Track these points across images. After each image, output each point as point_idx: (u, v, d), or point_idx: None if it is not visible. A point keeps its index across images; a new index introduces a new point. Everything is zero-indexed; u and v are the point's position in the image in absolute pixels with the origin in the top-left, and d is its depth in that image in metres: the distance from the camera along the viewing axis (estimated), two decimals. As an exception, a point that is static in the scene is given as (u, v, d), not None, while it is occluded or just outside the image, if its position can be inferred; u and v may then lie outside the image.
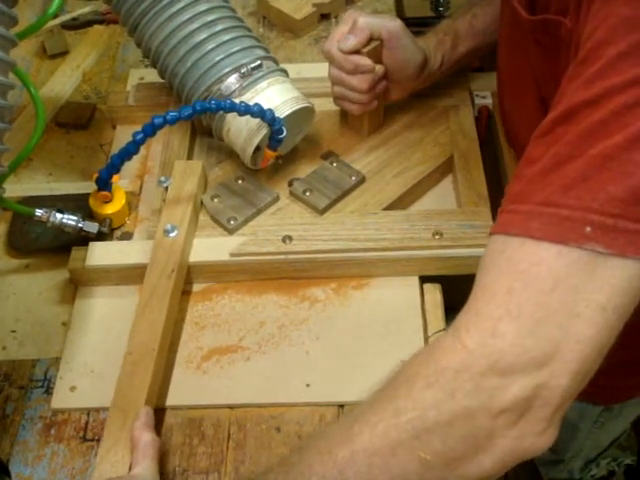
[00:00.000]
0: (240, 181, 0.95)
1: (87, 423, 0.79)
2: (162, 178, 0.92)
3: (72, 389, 0.81)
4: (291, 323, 0.85)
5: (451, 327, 0.59)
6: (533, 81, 0.81)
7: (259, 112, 0.86)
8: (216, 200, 0.93)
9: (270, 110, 0.87)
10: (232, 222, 0.90)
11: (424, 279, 0.88)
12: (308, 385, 0.80)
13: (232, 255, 0.87)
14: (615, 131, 0.54)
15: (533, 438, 0.56)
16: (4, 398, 0.81)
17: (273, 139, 0.90)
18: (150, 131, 0.84)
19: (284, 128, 0.89)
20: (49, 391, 0.81)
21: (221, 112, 0.89)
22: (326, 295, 0.88)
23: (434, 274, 0.88)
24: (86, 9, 1.26)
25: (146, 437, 0.71)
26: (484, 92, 1.05)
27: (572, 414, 1.05)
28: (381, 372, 0.79)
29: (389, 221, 0.89)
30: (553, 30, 0.70)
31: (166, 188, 0.91)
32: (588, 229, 0.54)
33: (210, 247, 0.89)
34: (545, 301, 0.55)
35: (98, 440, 0.77)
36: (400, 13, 1.26)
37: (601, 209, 0.54)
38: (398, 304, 0.86)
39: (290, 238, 0.88)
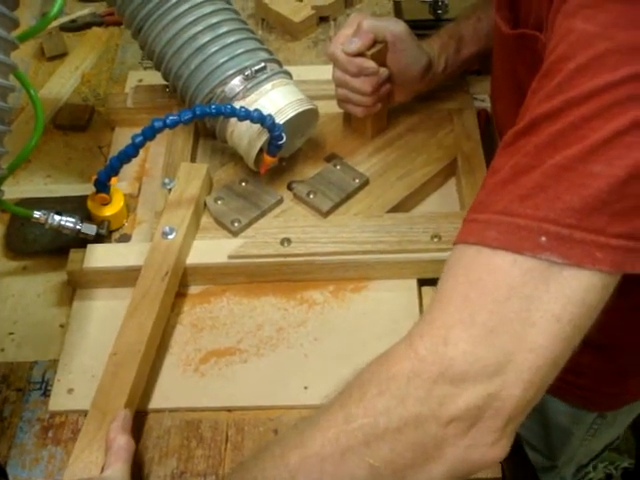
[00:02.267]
0: (244, 183, 0.95)
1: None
2: (166, 180, 0.92)
3: (70, 391, 0.81)
4: (289, 326, 0.85)
5: (406, 335, 0.59)
6: (518, 89, 0.81)
7: (259, 118, 0.86)
8: (220, 202, 0.93)
9: (270, 116, 0.87)
10: (236, 224, 0.90)
11: (422, 282, 0.88)
12: (306, 388, 0.80)
13: (230, 257, 0.87)
14: (573, 142, 0.54)
15: (484, 449, 0.56)
16: (1, 400, 0.81)
17: (272, 145, 0.90)
18: (150, 134, 0.84)
19: (284, 134, 0.89)
20: (47, 393, 0.81)
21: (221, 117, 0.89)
22: (324, 298, 0.88)
23: (432, 277, 0.88)
24: (85, 11, 1.26)
25: (121, 440, 0.71)
26: (482, 95, 1.05)
27: (566, 420, 1.05)
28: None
29: (389, 224, 0.89)
30: (531, 44, 0.71)
31: (170, 190, 0.91)
32: (543, 239, 0.54)
33: (209, 249, 0.89)
34: (499, 310, 0.55)
35: (96, 442, 0.77)
36: (399, 16, 1.26)
37: (557, 219, 0.54)
38: (396, 307, 0.86)
39: (289, 241, 0.88)
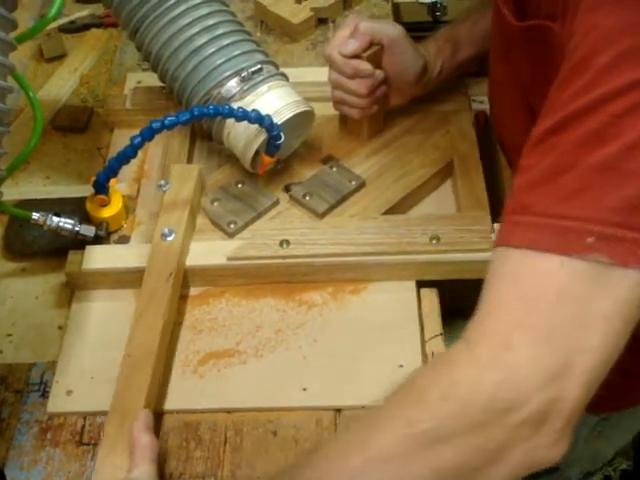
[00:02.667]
0: (240, 185, 0.95)
1: (83, 427, 0.79)
2: (162, 182, 0.92)
3: (68, 393, 0.80)
4: (288, 327, 0.85)
5: (462, 340, 0.58)
6: (520, 89, 0.81)
7: (257, 118, 0.86)
8: (216, 204, 0.93)
9: (268, 116, 0.87)
10: (232, 226, 0.90)
11: (421, 284, 0.88)
12: (305, 389, 0.80)
13: (229, 259, 0.87)
14: (610, 140, 0.55)
15: (546, 450, 0.56)
16: (0, 402, 0.81)
17: (271, 145, 0.90)
18: (148, 135, 0.84)
19: (282, 134, 0.89)
20: (45, 395, 0.81)
21: (219, 117, 0.89)
22: (323, 299, 0.88)
23: (431, 278, 0.88)
24: (84, 12, 1.26)
25: (145, 439, 0.71)
26: (481, 97, 1.05)
27: None
28: (378, 376, 0.80)
29: (387, 225, 0.89)
30: (542, 36, 0.70)
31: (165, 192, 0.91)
32: (590, 239, 0.54)
33: (207, 251, 0.89)
34: (552, 313, 0.55)
35: (95, 444, 0.77)
36: (397, 18, 1.26)
37: (601, 219, 0.54)
38: (395, 308, 0.86)
39: (287, 242, 0.88)
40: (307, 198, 0.93)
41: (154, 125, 0.83)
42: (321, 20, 1.23)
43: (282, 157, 0.97)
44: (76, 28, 1.25)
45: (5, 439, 0.78)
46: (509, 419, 0.55)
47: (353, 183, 0.95)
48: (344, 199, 0.94)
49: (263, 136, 0.89)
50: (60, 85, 1.15)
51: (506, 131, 0.92)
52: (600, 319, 0.55)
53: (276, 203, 0.94)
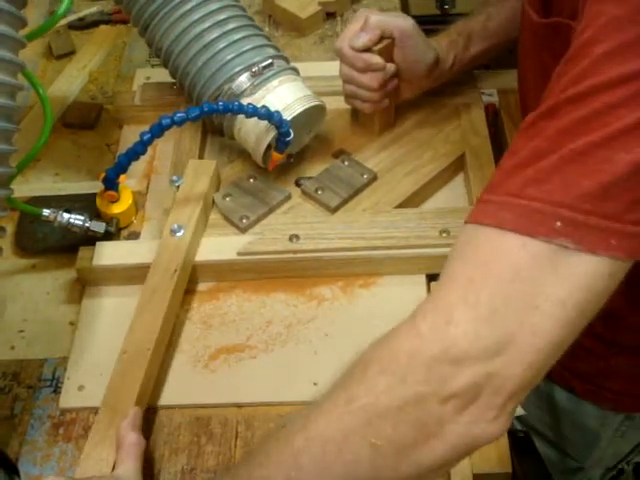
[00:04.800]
0: (252, 180, 0.95)
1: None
2: (174, 177, 0.92)
3: (80, 388, 0.81)
4: (299, 322, 0.85)
5: (410, 314, 0.59)
6: (546, 80, 0.80)
7: (267, 114, 0.86)
8: (228, 199, 0.93)
9: (278, 112, 0.87)
10: (244, 221, 0.90)
11: (431, 277, 0.88)
12: (315, 384, 0.80)
13: (239, 254, 0.87)
14: (595, 129, 0.54)
15: (484, 425, 0.56)
16: (12, 398, 0.82)
17: (280, 141, 0.90)
18: (158, 132, 0.84)
19: (291, 130, 0.89)
20: (57, 390, 0.82)
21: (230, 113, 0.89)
22: (333, 294, 0.88)
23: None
24: (92, 9, 1.26)
25: (131, 437, 0.71)
26: (491, 90, 1.05)
27: (594, 423, 1.05)
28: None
29: (397, 219, 0.89)
30: (563, 33, 0.70)
31: (178, 187, 0.91)
32: (558, 224, 0.54)
33: (217, 246, 0.89)
34: (503, 291, 0.55)
35: (106, 439, 0.78)
36: (406, 11, 1.26)
37: (573, 204, 0.54)
38: (405, 302, 0.85)
39: (297, 237, 0.88)
40: (319, 192, 0.93)
41: (163, 121, 0.83)
42: (329, 14, 1.23)
43: (294, 152, 0.97)
44: (85, 25, 1.25)
45: (18, 434, 0.79)
46: (443, 391, 0.55)
47: (365, 177, 0.94)
48: (356, 193, 0.93)
49: (274, 131, 0.89)
50: (69, 82, 1.15)
51: None
52: (554, 303, 0.54)
53: (288, 197, 0.94)
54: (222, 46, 0.92)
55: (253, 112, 0.86)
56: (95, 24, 1.25)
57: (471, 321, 0.55)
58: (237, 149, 0.99)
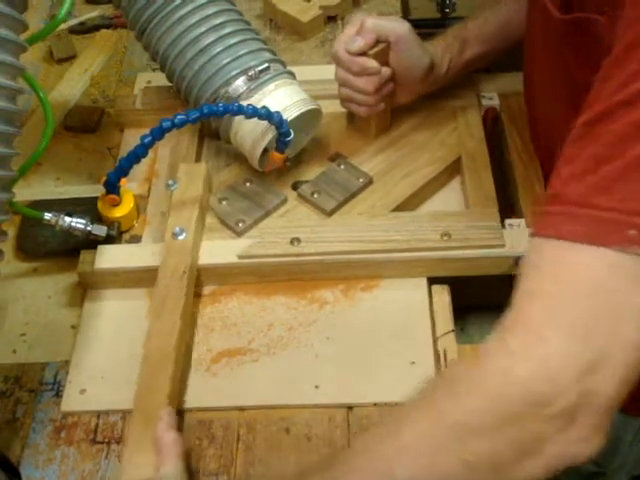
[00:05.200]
0: (248, 183, 0.95)
1: (97, 426, 0.79)
2: (170, 182, 0.93)
3: (82, 392, 0.81)
4: (300, 325, 0.86)
5: (496, 331, 0.58)
6: (569, 86, 0.80)
7: (266, 115, 0.86)
8: (224, 203, 0.93)
9: (278, 113, 0.87)
10: (240, 224, 0.90)
11: (432, 280, 0.88)
12: (317, 387, 0.80)
13: (240, 257, 0.87)
14: None
15: (582, 444, 0.56)
16: (14, 401, 0.82)
17: (280, 142, 0.90)
18: (158, 134, 0.84)
19: (292, 131, 0.89)
20: (59, 394, 0.82)
21: (228, 115, 0.89)
22: (335, 297, 0.88)
23: (442, 275, 0.88)
24: (94, 13, 1.27)
25: (170, 437, 0.72)
26: (491, 93, 1.05)
27: (615, 427, 1.04)
28: (389, 373, 0.80)
29: (397, 222, 0.89)
30: (588, 29, 0.69)
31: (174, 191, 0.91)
32: (632, 232, 0.53)
33: (218, 249, 0.89)
34: (588, 306, 0.54)
35: (108, 443, 0.78)
36: (406, 14, 1.26)
37: None
38: (406, 305, 0.86)
39: (298, 240, 0.88)
40: (315, 196, 0.93)
41: (164, 124, 0.83)
42: (330, 18, 1.23)
43: (290, 155, 0.97)
44: (86, 29, 1.26)
45: (20, 438, 0.79)
46: (543, 411, 0.54)
47: (361, 180, 0.95)
48: (352, 196, 0.94)
49: (270, 135, 0.89)
50: (71, 86, 1.16)
51: (548, 130, 0.91)
52: (639, 313, 0.54)
53: (284, 201, 0.94)
54: (218, 50, 0.92)
55: (253, 113, 0.86)
56: (96, 28, 1.26)
57: (562, 339, 0.54)
58: (234, 153, 0.99)
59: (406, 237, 0.87)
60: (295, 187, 0.96)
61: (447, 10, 1.26)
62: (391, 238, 0.87)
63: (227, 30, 0.93)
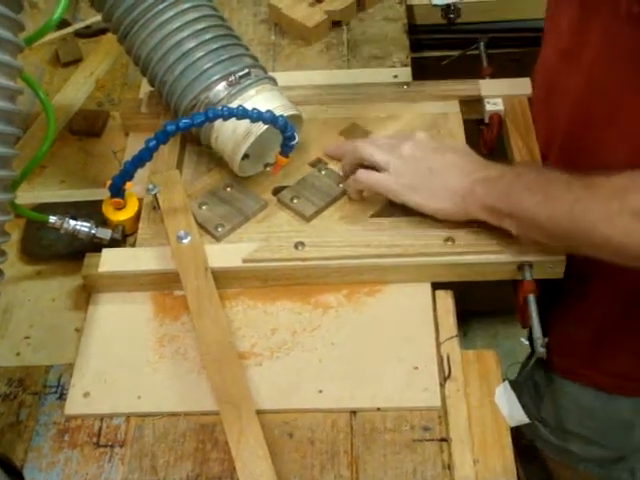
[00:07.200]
0: (229, 189, 0.96)
1: (100, 429, 0.79)
2: (150, 186, 0.91)
3: (85, 395, 0.81)
4: (304, 330, 0.86)
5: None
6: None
7: (271, 119, 0.87)
8: (204, 208, 0.93)
9: (282, 117, 0.88)
10: (220, 229, 0.90)
11: (436, 285, 0.88)
12: (321, 391, 0.80)
13: (245, 261, 0.87)
14: None
15: None
16: (18, 404, 0.82)
17: (285, 145, 0.90)
18: (163, 138, 0.84)
19: (296, 134, 0.90)
20: (62, 397, 0.82)
21: (233, 119, 0.90)
22: (338, 301, 0.88)
23: (446, 280, 0.88)
24: (99, 17, 1.26)
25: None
26: (495, 99, 1.04)
27: (628, 414, 1.05)
28: (393, 378, 0.80)
29: (402, 227, 0.89)
30: None
31: (154, 195, 0.91)
32: None
33: (222, 253, 0.89)
34: None
35: (112, 446, 0.78)
36: (411, 21, 1.26)
37: None
38: (410, 310, 0.86)
39: (303, 244, 0.88)
40: (295, 201, 0.93)
41: (169, 128, 0.84)
42: (335, 23, 1.23)
43: (271, 161, 0.97)
44: (92, 33, 1.26)
45: (23, 441, 0.79)
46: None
47: (341, 186, 0.95)
48: (332, 202, 0.94)
49: (250, 140, 0.89)
50: (76, 89, 1.16)
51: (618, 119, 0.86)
52: None
53: (264, 206, 0.94)
54: (200, 55, 0.92)
55: (258, 117, 0.86)
56: (102, 32, 1.26)
57: None
58: (216, 158, 0.99)
59: (410, 242, 0.87)
60: (276, 192, 0.96)
61: (452, 16, 1.26)
62: (395, 243, 0.87)
63: (209, 35, 0.93)
